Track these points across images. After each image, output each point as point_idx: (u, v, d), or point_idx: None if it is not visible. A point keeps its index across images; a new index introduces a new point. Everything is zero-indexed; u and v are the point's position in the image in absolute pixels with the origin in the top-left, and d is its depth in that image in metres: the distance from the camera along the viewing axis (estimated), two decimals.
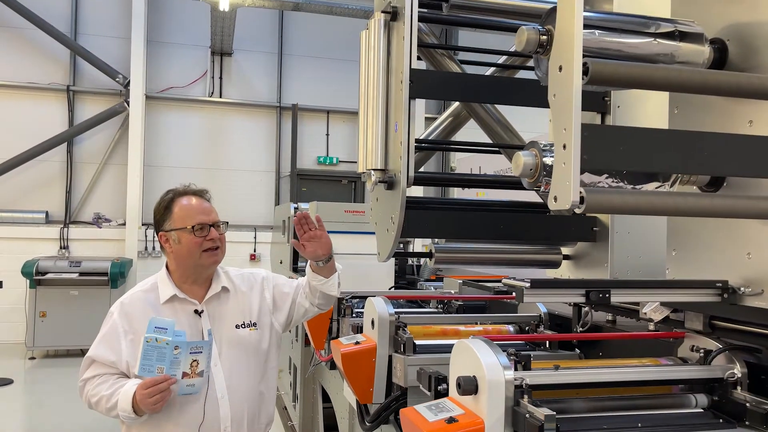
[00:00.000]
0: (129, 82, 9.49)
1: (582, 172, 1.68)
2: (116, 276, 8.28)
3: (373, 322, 2.70)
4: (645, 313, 2.16)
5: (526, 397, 1.56)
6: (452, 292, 3.79)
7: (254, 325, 2.28)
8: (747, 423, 1.66)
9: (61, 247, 9.21)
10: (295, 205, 5.59)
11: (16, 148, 9.14)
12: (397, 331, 2.60)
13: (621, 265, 2.34)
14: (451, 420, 1.61)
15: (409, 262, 5.14)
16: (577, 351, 2.43)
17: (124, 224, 9.53)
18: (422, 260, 5.21)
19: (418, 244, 5.84)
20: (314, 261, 2.30)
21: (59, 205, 9.51)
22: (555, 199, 1.44)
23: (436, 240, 2.52)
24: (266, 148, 10.48)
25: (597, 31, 1.65)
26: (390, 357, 2.62)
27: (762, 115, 1.68)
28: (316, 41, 10.49)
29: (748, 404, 1.67)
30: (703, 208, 1.54)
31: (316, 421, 4.77)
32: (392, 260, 4.76)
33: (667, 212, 1.53)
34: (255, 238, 9.96)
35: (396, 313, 2.69)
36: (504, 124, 2.44)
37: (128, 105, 9.49)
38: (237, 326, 2.25)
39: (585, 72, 1.43)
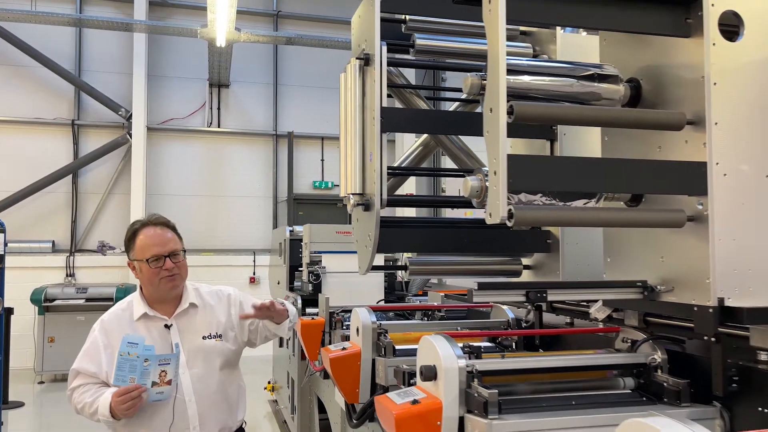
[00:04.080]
0: (131, 114, 9.90)
1: (519, 193, 2.03)
2: None
3: (358, 330, 3.03)
4: (591, 313, 2.49)
5: (476, 380, 1.88)
6: (435, 304, 4.11)
7: (220, 336, 2.53)
8: (665, 400, 1.98)
9: (67, 275, 9.53)
10: (291, 228, 5.91)
11: (24, 180, 9.52)
12: (379, 337, 2.92)
13: (571, 272, 2.66)
14: (414, 401, 1.93)
15: (398, 278, 5.45)
16: (540, 351, 2.76)
17: None
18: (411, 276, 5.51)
19: None
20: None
21: (65, 235, 9.86)
22: (490, 215, 1.78)
23: (410, 254, 2.84)
24: (263, 174, 10.87)
25: (527, 77, 2.00)
26: (373, 360, 2.94)
27: (668, 141, 2.02)
28: (309, 72, 10.93)
29: (665, 384, 1.98)
30: (615, 220, 1.88)
31: (312, 431, 5.03)
32: (382, 276, 5.09)
33: (584, 224, 1.86)
34: (254, 261, 10.27)
35: (378, 321, 3.02)
36: (466, 152, 2.79)
37: (131, 137, 9.89)
38: (204, 337, 2.50)
39: (511, 112, 1.77)
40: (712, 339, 1.87)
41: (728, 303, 1.84)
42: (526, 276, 2.91)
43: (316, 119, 10.77)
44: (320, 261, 5.00)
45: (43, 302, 8.31)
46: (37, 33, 9.68)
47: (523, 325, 2.72)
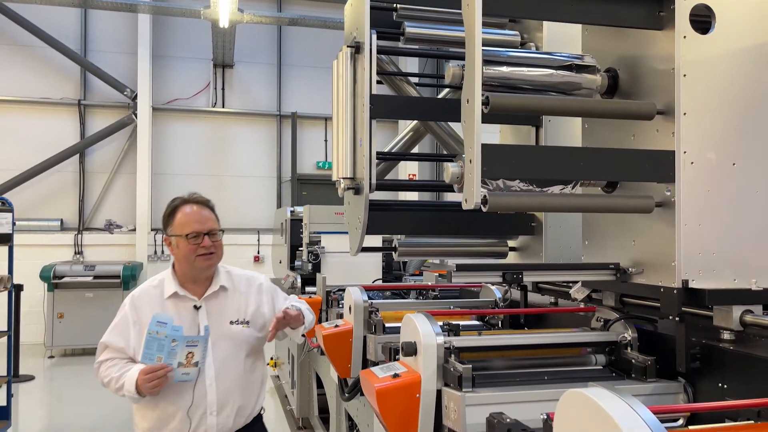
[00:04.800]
0: (136, 95, 10.00)
1: (497, 179, 2.12)
2: (128, 279, 8.77)
3: (350, 308, 3.15)
4: (571, 294, 2.60)
5: (453, 356, 2.00)
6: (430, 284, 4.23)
7: (247, 323, 2.49)
8: (633, 376, 2.09)
9: (75, 253, 9.73)
10: (292, 209, 6.04)
11: (32, 159, 9.67)
12: (370, 316, 3.05)
13: (554, 254, 2.75)
14: (395, 376, 2.05)
15: (396, 258, 5.56)
16: (526, 329, 2.87)
17: (134, 230, 10.04)
18: (410, 257, 5.63)
19: None
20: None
21: (73, 213, 10.04)
22: (465, 200, 1.88)
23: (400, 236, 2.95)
24: (267, 154, 10.97)
25: (505, 67, 2.08)
26: (365, 337, 3.07)
27: (641, 130, 2.10)
28: (312, 52, 10.96)
29: (634, 361, 2.10)
30: (585, 205, 1.98)
31: (311, 404, 5.21)
32: (379, 257, 5.22)
33: (556, 209, 1.97)
34: (258, 240, 10.43)
35: (370, 300, 3.14)
36: (455, 137, 2.87)
37: (136, 117, 10.01)
38: (231, 322, 2.47)
39: (486, 103, 1.86)
40: (677, 318, 1.97)
41: (692, 285, 1.94)
42: (512, 257, 3.01)
43: (319, 100, 10.82)
44: (319, 241, 5.13)
45: (52, 279, 8.52)
46: (44, 13, 9.75)
47: (501, 304, 2.83)
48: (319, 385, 5.00)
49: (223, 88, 10.71)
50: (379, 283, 4.82)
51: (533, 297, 3.00)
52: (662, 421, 1.17)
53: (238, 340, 2.47)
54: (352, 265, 4.99)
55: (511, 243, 2.98)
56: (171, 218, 2.46)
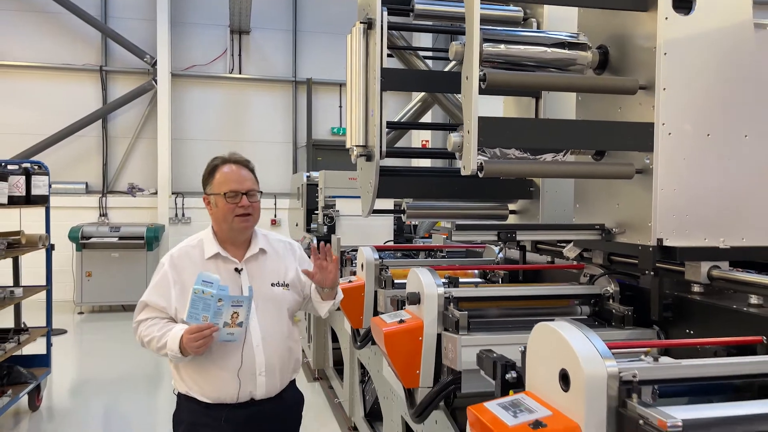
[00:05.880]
0: (156, 61, 10.21)
1: (493, 148, 2.35)
2: (151, 240, 9.15)
3: (362, 266, 3.43)
4: (564, 253, 2.84)
5: (452, 305, 2.26)
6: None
7: (286, 285, 2.46)
8: (613, 324, 2.34)
9: (100, 215, 10.12)
10: (307, 174, 6.29)
11: (56, 124, 9.98)
12: (380, 272, 3.32)
13: (550, 217, 2.99)
14: (401, 321, 2.33)
15: (407, 222, 5.83)
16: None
17: (155, 193, 10.38)
18: (419, 220, 5.89)
19: None
20: (319, 286, 2.47)
21: (97, 177, 10.39)
22: (464, 167, 2.11)
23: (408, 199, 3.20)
24: (283, 120, 11.19)
25: (503, 45, 2.28)
26: (375, 292, 3.35)
27: (626, 103, 2.31)
28: (328, 18, 11.06)
29: (614, 311, 2.35)
30: (572, 171, 2.21)
31: (326, 357, 5.55)
32: (391, 219, 5.48)
33: (546, 175, 2.20)
34: (275, 204, 10.73)
35: (380, 258, 3.41)
36: (460, 108, 3.08)
37: (156, 83, 10.24)
38: (272, 284, 2.43)
39: (484, 80, 2.08)
40: (652, 273, 2.21)
41: (666, 243, 2.17)
42: (512, 220, 3.25)
43: (334, 66, 10.94)
44: (334, 205, 5.39)
45: (80, 239, 8.91)
46: None
47: (497, 260, 3.08)
48: (334, 339, 5.32)
49: (239, 55, 10.89)
50: (390, 244, 5.09)
51: (532, 257, 3.25)
52: (624, 356, 1.43)
53: (281, 302, 2.45)
54: (364, 227, 5.25)
55: (511, 206, 3.22)
56: (210, 177, 2.42)
